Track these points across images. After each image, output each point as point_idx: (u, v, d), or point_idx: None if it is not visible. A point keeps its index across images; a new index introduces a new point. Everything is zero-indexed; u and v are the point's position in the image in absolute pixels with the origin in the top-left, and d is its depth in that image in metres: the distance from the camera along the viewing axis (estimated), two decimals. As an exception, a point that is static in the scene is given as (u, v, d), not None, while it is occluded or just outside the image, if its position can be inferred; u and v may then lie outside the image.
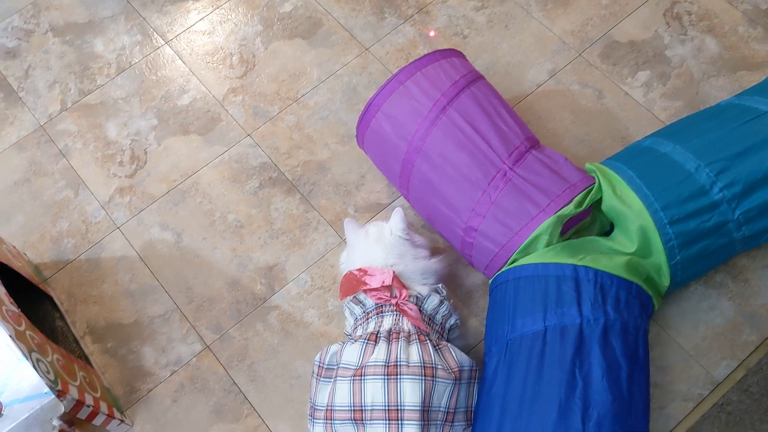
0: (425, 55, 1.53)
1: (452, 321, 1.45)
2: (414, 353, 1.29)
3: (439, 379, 1.28)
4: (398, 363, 1.27)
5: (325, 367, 1.36)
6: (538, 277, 1.38)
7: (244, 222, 1.76)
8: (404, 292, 1.39)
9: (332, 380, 1.34)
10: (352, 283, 1.43)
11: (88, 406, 1.35)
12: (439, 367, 1.29)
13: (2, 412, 1.20)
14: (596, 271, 1.36)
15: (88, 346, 1.64)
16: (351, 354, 1.32)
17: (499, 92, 1.78)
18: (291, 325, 1.64)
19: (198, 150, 1.86)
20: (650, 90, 1.82)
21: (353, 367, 1.31)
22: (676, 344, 1.55)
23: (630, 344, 1.34)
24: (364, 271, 1.44)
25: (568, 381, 1.26)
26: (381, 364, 1.27)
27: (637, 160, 1.46)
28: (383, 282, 1.38)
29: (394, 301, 1.37)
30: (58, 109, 1.94)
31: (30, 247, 1.76)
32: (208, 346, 1.63)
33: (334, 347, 1.37)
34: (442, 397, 1.29)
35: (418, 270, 1.46)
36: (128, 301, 1.68)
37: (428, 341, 1.31)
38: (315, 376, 1.39)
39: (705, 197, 1.39)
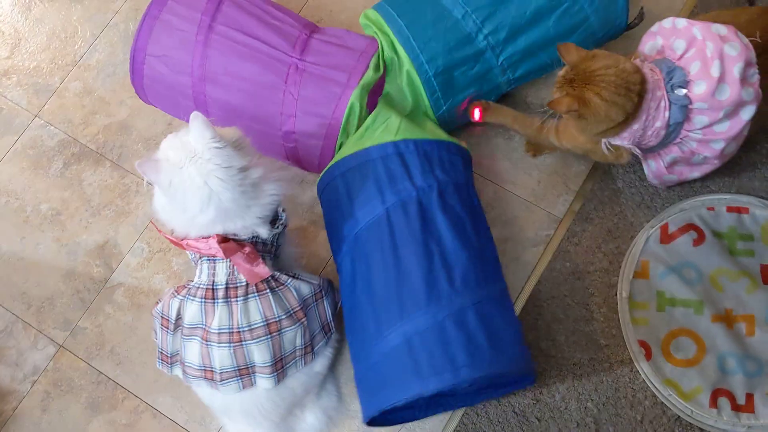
0: None
1: (281, 229, 1.35)
2: (254, 311, 1.25)
3: (286, 330, 1.27)
4: (240, 329, 1.24)
5: (171, 320, 1.31)
6: (364, 164, 1.36)
7: (60, 208, 1.64)
8: (236, 253, 1.24)
9: (180, 334, 1.30)
10: (177, 243, 1.32)
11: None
12: (283, 317, 1.26)
13: None
14: (415, 141, 1.36)
15: (-68, 387, 1.52)
16: (193, 314, 1.27)
17: (282, -5, 1.71)
18: (141, 298, 1.57)
19: (-15, 148, 1.69)
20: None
21: (199, 326, 1.27)
22: (514, 196, 1.58)
23: (465, 199, 1.37)
24: (181, 244, 1.28)
25: (425, 252, 1.28)
26: (225, 331, 1.24)
27: (409, 6, 1.45)
28: (209, 247, 1.25)
29: (220, 256, 1.24)
30: None
31: None
32: (61, 345, 1.55)
33: (175, 303, 1.29)
34: (293, 341, 1.29)
35: (251, 199, 1.26)
36: (-39, 328, 1.56)
37: (267, 292, 1.26)
38: (161, 327, 1.33)
39: (470, 46, 1.41)
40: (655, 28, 1.34)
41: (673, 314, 1.44)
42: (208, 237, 1.23)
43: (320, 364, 1.38)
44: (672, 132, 1.28)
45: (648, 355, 1.42)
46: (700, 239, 1.47)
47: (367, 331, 1.30)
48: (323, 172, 1.43)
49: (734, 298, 1.43)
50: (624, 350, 1.44)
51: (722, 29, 1.23)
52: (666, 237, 1.48)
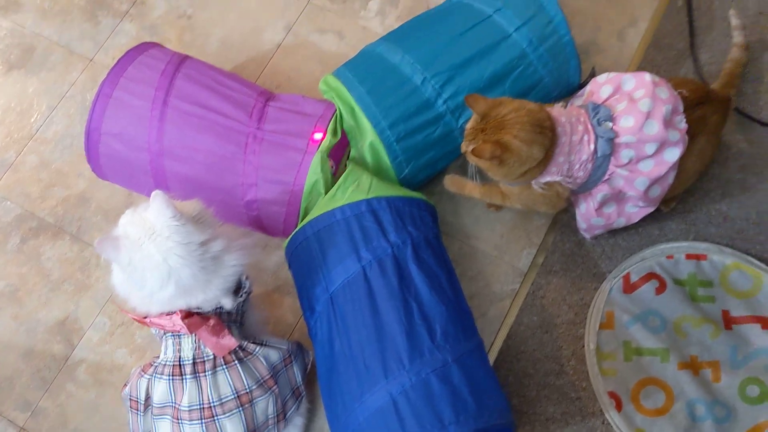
0: (120, 59, 1.42)
1: (244, 297, 1.34)
2: (224, 385, 1.23)
3: (257, 399, 1.26)
4: (211, 404, 1.22)
5: (140, 401, 1.28)
6: (338, 222, 1.37)
7: (18, 284, 1.60)
8: (201, 327, 1.24)
9: (150, 415, 1.27)
10: (141, 320, 1.29)
11: None
12: (254, 388, 1.25)
13: None
14: (387, 199, 1.39)
15: None
16: (162, 393, 1.25)
17: (241, 60, 1.73)
18: (104, 374, 1.53)
19: (-62, 226, 1.65)
20: (385, 17, 1.81)
21: (169, 405, 1.25)
22: (479, 251, 1.59)
23: (438, 253, 1.39)
24: (145, 321, 1.25)
25: (404, 307, 1.28)
26: (196, 408, 1.22)
27: (369, 72, 1.47)
28: (173, 324, 1.23)
29: (185, 332, 1.23)
30: None
31: None
32: (22, 428, 1.49)
33: (143, 383, 1.28)
34: (266, 410, 1.28)
35: (214, 272, 1.25)
36: None
37: (235, 363, 1.25)
38: (130, 409, 1.30)
39: (430, 110, 1.44)
40: (589, 84, 1.40)
41: (641, 363, 1.45)
42: (171, 313, 1.21)
43: None
44: (600, 166, 1.31)
45: (618, 406, 1.42)
46: (661, 287, 1.49)
47: (348, 393, 1.27)
48: (293, 233, 1.43)
49: (698, 345, 1.45)
50: (595, 402, 1.45)
51: (655, 77, 1.31)
52: (628, 286, 1.51)
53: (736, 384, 1.42)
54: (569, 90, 1.54)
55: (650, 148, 1.28)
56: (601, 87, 1.35)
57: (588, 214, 1.43)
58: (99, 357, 1.54)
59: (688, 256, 1.52)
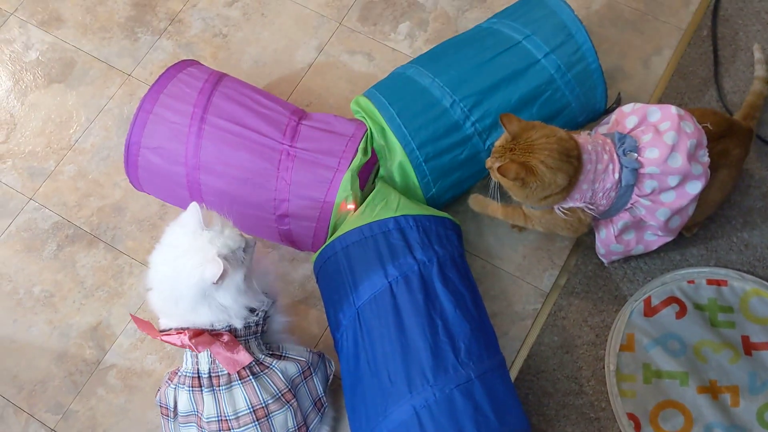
0: (161, 76, 1.47)
1: (269, 310, 1.39)
2: (239, 399, 1.26)
3: (274, 414, 1.28)
4: (227, 418, 1.26)
5: (170, 408, 1.32)
6: (366, 239, 1.41)
7: (53, 290, 1.65)
8: (214, 344, 1.26)
9: (179, 422, 1.32)
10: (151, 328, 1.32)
11: None
12: (270, 402, 1.28)
13: None
14: (414, 217, 1.43)
15: None
16: (185, 403, 1.29)
17: (274, 78, 1.78)
18: (133, 379, 1.57)
19: (-21, 231, 1.71)
20: (414, 40, 1.86)
21: (193, 414, 1.29)
22: (501, 271, 1.62)
23: (462, 272, 1.42)
24: (156, 332, 1.29)
25: (429, 324, 1.31)
26: (214, 419, 1.26)
27: (399, 94, 1.51)
28: (182, 342, 1.24)
29: (194, 350, 1.26)
30: None
31: None
32: (53, 429, 1.54)
33: (170, 392, 1.32)
34: (285, 424, 1.30)
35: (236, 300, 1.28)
36: (-50, 414, 1.55)
37: (250, 378, 1.27)
38: (162, 416, 1.35)
39: (458, 132, 1.48)
40: (615, 113, 1.43)
41: (660, 386, 1.47)
42: (181, 331, 1.24)
43: None
44: (623, 195, 1.34)
45: (637, 428, 1.44)
46: (682, 312, 1.52)
47: (372, 406, 1.30)
48: (322, 247, 1.47)
49: (718, 369, 1.47)
50: (614, 423, 1.47)
51: (680, 110, 1.34)
52: (649, 310, 1.53)
53: (754, 409, 1.43)
54: (595, 115, 1.57)
55: (673, 180, 1.30)
56: (626, 117, 1.38)
57: (608, 240, 1.45)
58: (129, 363, 1.58)
59: (709, 282, 1.54)
